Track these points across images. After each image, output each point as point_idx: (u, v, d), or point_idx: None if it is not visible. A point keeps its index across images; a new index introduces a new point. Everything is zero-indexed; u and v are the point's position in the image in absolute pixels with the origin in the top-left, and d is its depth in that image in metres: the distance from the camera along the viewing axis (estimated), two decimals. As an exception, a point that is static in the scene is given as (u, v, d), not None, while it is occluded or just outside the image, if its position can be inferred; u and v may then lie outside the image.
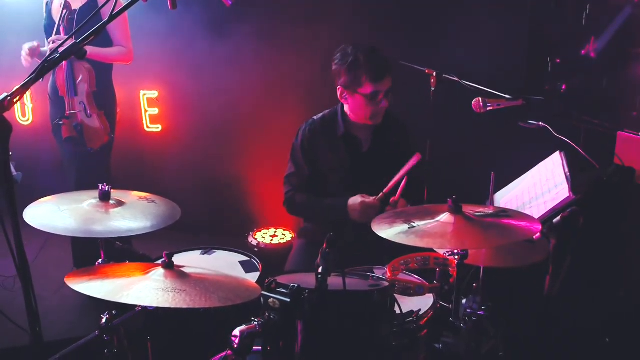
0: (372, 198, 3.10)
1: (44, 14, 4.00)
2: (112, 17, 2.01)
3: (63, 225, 2.38)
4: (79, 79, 3.94)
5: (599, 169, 2.92)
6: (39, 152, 4.89)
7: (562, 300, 3.37)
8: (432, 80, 3.62)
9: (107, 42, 4.03)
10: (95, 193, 2.57)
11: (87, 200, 2.55)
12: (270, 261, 3.15)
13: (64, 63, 3.86)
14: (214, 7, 4.70)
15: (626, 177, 3.09)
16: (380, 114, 3.21)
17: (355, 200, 3.13)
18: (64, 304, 3.99)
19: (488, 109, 3.28)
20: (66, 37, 3.59)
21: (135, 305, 2.44)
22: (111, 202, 2.56)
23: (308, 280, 2.18)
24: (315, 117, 3.35)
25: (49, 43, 3.88)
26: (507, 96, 3.33)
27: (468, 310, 2.48)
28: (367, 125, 3.26)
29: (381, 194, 3.08)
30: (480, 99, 3.28)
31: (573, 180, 2.71)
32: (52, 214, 2.45)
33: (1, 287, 3.93)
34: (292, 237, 4.65)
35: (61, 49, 1.95)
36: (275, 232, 4.75)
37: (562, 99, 4.16)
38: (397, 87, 3.28)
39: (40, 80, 1.88)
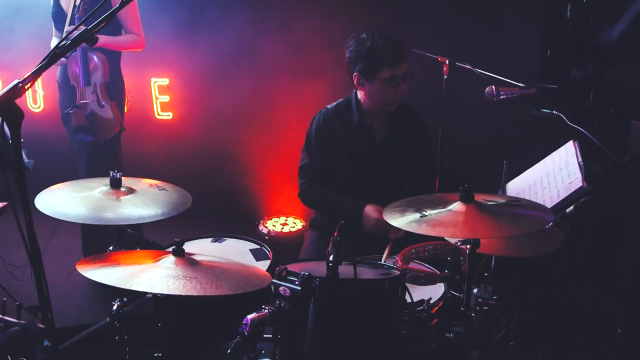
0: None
1: (52, 2, 3.99)
2: (123, 4, 2.00)
3: (74, 212, 2.39)
4: (94, 69, 3.93)
5: (613, 159, 2.89)
6: (51, 139, 4.89)
7: (574, 291, 3.35)
8: (445, 68, 3.59)
9: (118, 30, 4.02)
10: (106, 180, 2.57)
11: (98, 188, 2.55)
12: (280, 249, 3.15)
13: (78, 52, 3.86)
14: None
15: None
16: (397, 99, 3.19)
17: (372, 213, 3.10)
18: (75, 291, 4.01)
19: (501, 97, 3.25)
20: (77, 25, 3.57)
21: (146, 293, 2.44)
22: (122, 189, 2.56)
23: (319, 268, 2.18)
24: (329, 106, 3.33)
25: (65, 33, 3.86)
26: (520, 84, 3.30)
27: (479, 300, 2.47)
28: (381, 113, 3.24)
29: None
30: (493, 87, 3.25)
31: (586, 169, 2.68)
32: (64, 201, 2.45)
33: (11, 277, 3.94)
34: (302, 226, 4.64)
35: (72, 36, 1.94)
36: (286, 220, 4.75)
37: (576, 88, 4.11)
38: (411, 76, 3.26)
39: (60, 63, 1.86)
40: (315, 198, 3.33)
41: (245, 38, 4.92)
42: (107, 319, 2.41)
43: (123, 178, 2.59)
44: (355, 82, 3.17)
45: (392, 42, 3.09)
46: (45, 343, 1.84)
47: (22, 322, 1.92)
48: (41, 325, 1.88)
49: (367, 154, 3.25)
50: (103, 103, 3.98)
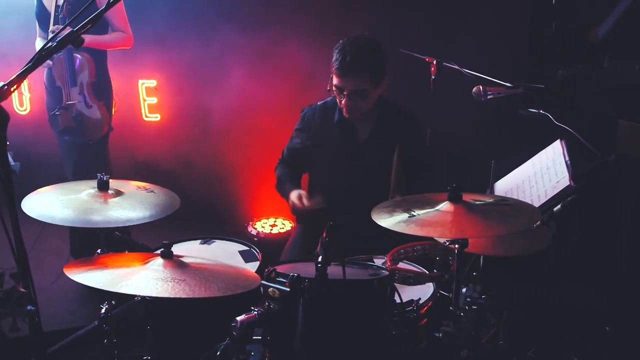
0: (305, 202, 3.10)
1: (35, 2, 3.96)
2: (110, 5, 1.99)
3: (61, 215, 2.38)
4: (79, 69, 3.91)
5: (600, 157, 2.91)
6: (37, 142, 4.86)
7: (562, 289, 3.37)
8: (433, 69, 3.60)
9: (105, 28, 4.00)
10: (94, 183, 2.55)
11: (86, 190, 2.54)
12: (269, 251, 3.15)
13: (63, 53, 3.83)
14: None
15: (627, 165, 3.08)
16: (350, 111, 3.13)
17: (292, 195, 3.17)
18: (63, 294, 3.98)
19: (489, 97, 3.27)
20: (64, 26, 3.55)
21: (135, 295, 2.43)
22: (110, 191, 2.55)
23: (308, 269, 2.18)
24: (318, 103, 3.36)
25: (50, 33, 3.83)
26: (507, 84, 3.31)
27: (468, 299, 2.48)
28: (366, 115, 3.23)
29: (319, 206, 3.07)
30: (480, 87, 3.27)
31: (574, 168, 2.70)
32: (51, 204, 2.44)
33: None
34: (291, 227, 4.63)
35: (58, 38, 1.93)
36: (275, 221, 4.74)
37: (563, 87, 4.13)
38: (398, 75, 3.26)
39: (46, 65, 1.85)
40: (276, 176, 3.44)
41: (235, 39, 4.91)
42: (96, 322, 2.40)
43: (111, 180, 2.57)
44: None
45: (346, 53, 3.02)
46: (28, 307, 1.83)
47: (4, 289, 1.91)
48: (22, 290, 1.87)
49: (347, 153, 3.24)
50: (90, 103, 3.96)
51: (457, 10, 4.51)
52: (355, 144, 3.26)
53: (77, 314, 3.84)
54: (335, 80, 3.08)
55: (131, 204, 2.49)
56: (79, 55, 3.88)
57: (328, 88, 3.16)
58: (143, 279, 2.04)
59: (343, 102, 3.11)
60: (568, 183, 2.62)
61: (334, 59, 3.08)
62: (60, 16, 3.78)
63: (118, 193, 2.55)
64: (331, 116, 3.27)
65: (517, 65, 4.36)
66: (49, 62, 3.86)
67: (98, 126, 4.01)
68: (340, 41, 3.11)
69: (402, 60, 3.75)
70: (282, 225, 4.69)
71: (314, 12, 4.70)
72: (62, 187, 2.65)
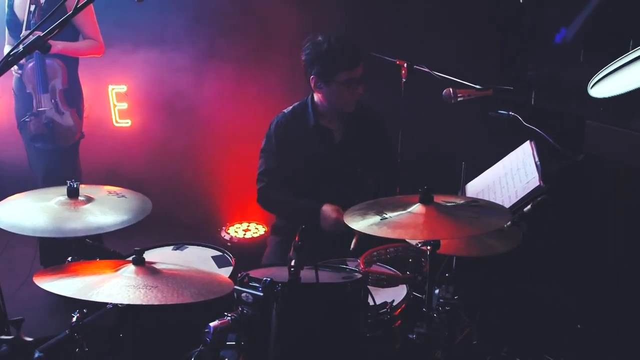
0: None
1: (6, 9, 3.91)
2: (77, 10, 1.97)
3: (31, 224, 2.35)
4: (52, 75, 3.87)
5: (569, 158, 2.95)
6: (5, 149, 4.79)
7: (534, 288, 3.41)
8: (403, 72, 3.62)
9: (76, 36, 3.97)
10: (64, 190, 2.52)
11: (55, 198, 2.50)
12: (243, 255, 3.13)
13: (35, 59, 3.79)
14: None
15: (595, 165, 3.12)
16: (354, 101, 3.21)
17: (330, 213, 3.10)
18: (32, 304, 3.92)
19: (459, 99, 3.29)
20: (31, 31, 3.51)
21: (107, 303, 2.40)
22: (80, 198, 2.51)
23: (281, 273, 2.18)
24: (285, 110, 3.34)
25: (21, 38, 3.78)
26: (477, 86, 3.34)
27: (441, 300, 2.49)
28: (338, 116, 3.26)
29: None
30: (451, 89, 3.29)
31: (543, 169, 2.73)
32: (20, 213, 2.40)
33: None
34: (265, 231, 4.63)
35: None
36: (248, 226, 4.73)
37: (532, 89, 4.19)
38: (369, 78, 3.27)
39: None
40: (273, 202, 3.32)
41: (206, 44, 4.89)
42: (67, 331, 2.37)
43: (81, 186, 2.54)
44: (312, 85, 3.18)
45: (348, 44, 3.11)
46: (37, 354, 1.80)
47: (8, 337, 1.88)
48: (28, 339, 1.85)
49: (326, 156, 3.26)
50: (62, 110, 3.92)
51: (427, 13, 4.54)
52: (331, 146, 3.28)
53: (47, 323, 3.79)
54: (346, 75, 3.10)
55: (102, 210, 2.47)
56: (52, 62, 3.85)
57: (319, 85, 3.16)
58: (115, 286, 2.02)
59: (359, 91, 3.15)
60: (538, 183, 2.65)
61: (331, 59, 3.08)
62: (32, 22, 3.75)
63: (89, 199, 2.52)
64: (305, 121, 3.27)
65: (487, 67, 4.41)
66: (16, 67, 3.82)
67: (70, 133, 3.98)
68: (316, 44, 3.12)
69: (373, 63, 3.77)
70: (256, 229, 4.68)
71: (285, 17, 4.70)
72: (31, 195, 2.62)
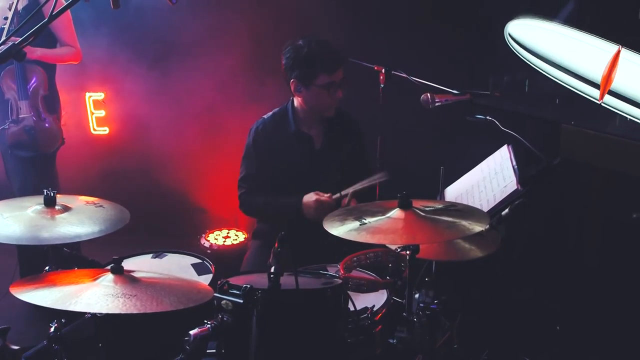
0: (326, 195, 3.10)
1: None
2: (52, 17, 1.96)
3: (6, 232, 2.32)
4: (32, 82, 3.84)
5: (545, 161, 2.98)
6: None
7: (513, 291, 3.43)
8: (381, 77, 3.64)
9: (53, 43, 3.95)
10: (40, 199, 2.49)
11: (32, 207, 2.48)
12: (224, 263, 3.12)
13: (15, 65, 3.77)
14: (162, 6, 4.62)
15: (571, 168, 3.16)
16: (334, 105, 3.22)
17: (310, 197, 3.12)
18: (10, 314, 3.87)
19: (437, 104, 3.31)
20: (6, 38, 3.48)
21: (85, 313, 2.38)
22: (57, 207, 2.49)
23: (261, 280, 2.17)
24: (265, 116, 3.33)
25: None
26: (454, 91, 3.37)
27: (421, 305, 2.50)
28: (318, 121, 3.26)
29: (338, 194, 3.08)
30: (428, 94, 3.31)
31: (520, 172, 2.75)
32: (-5, 222, 2.38)
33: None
34: (245, 238, 4.61)
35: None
36: (228, 233, 4.70)
37: (507, 93, 4.22)
38: (348, 83, 3.28)
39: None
40: (255, 206, 3.32)
41: (183, 50, 4.88)
42: (45, 342, 2.34)
43: (58, 196, 2.52)
44: (292, 89, 3.19)
45: (328, 48, 3.13)
46: None
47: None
48: (14, 347, 1.83)
49: (306, 162, 3.27)
50: (43, 117, 3.89)
51: (404, 18, 4.57)
52: (312, 153, 3.28)
53: (25, 334, 3.73)
54: (326, 79, 3.11)
55: (80, 219, 2.45)
56: (33, 68, 3.82)
57: (299, 89, 3.16)
58: (93, 295, 2.00)
59: (339, 95, 3.16)
60: (515, 187, 2.67)
61: (311, 63, 3.09)
62: (11, 29, 3.71)
63: (66, 209, 2.50)
64: (286, 127, 3.27)
65: (463, 72, 4.44)
66: None
67: (53, 139, 3.97)
68: (296, 47, 3.12)
69: (352, 69, 3.78)
70: (236, 236, 4.65)
71: (262, 23, 4.71)
72: (6, 203, 2.58)
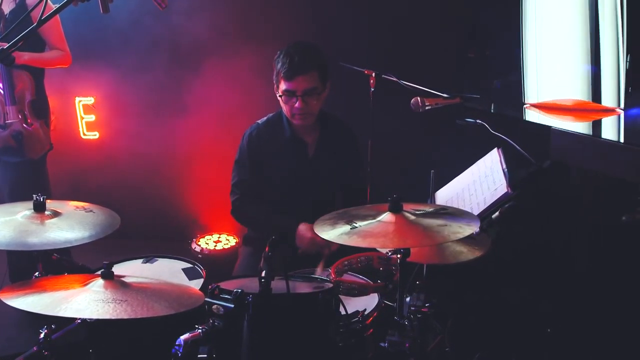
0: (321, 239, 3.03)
1: None
2: (42, 22, 1.95)
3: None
4: (19, 87, 3.82)
5: (535, 164, 2.99)
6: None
7: (504, 293, 3.44)
8: (372, 81, 3.64)
9: (42, 47, 3.93)
10: (30, 204, 2.48)
11: (22, 212, 2.46)
12: (215, 267, 3.11)
13: (1, 70, 3.74)
14: (152, 10, 4.62)
15: (560, 171, 3.17)
16: (299, 115, 3.14)
17: (306, 232, 3.06)
18: (1, 320, 3.86)
19: (427, 108, 3.32)
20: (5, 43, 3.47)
21: (75, 318, 2.37)
22: (47, 212, 2.48)
23: (252, 285, 2.17)
24: (259, 121, 3.31)
25: None
26: (444, 95, 3.37)
27: (412, 308, 2.50)
28: (311, 127, 3.25)
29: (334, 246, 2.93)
30: (418, 98, 3.31)
31: (511, 175, 2.76)
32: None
33: None
34: (236, 242, 4.61)
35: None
36: (219, 237, 4.70)
37: (496, 96, 4.24)
38: (337, 88, 3.28)
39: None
40: (248, 216, 3.30)
41: (174, 55, 4.87)
42: (35, 348, 2.33)
43: (48, 201, 2.51)
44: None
45: (293, 53, 3.05)
46: None
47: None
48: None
49: (300, 169, 3.25)
50: (30, 121, 3.87)
51: (396, 22, 4.58)
52: (305, 160, 3.27)
53: (15, 341, 3.73)
54: (284, 86, 3.06)
55: (69, 224, 2.43)
56: (19, 73, 3.80)
57: (280, 94, 3.14)
58: (83, 301, 1.99)
59: (296, 105, 3.08)
60: (505, 190, 2.68)
61: (279, 65, 3.07)
62: None
63: (55, 214, 2.48)
64: (280, 132, 3.25)
65: (454, 75, 4.46)
66: None
67: (40, 145, 3.94)
68: (280, 50, 3.13)
69: (342, 73, 3.79)
70: (227, 241, 4.65)
71: (250, 28, 4.70)
72: (-4, 208, 2.58)
